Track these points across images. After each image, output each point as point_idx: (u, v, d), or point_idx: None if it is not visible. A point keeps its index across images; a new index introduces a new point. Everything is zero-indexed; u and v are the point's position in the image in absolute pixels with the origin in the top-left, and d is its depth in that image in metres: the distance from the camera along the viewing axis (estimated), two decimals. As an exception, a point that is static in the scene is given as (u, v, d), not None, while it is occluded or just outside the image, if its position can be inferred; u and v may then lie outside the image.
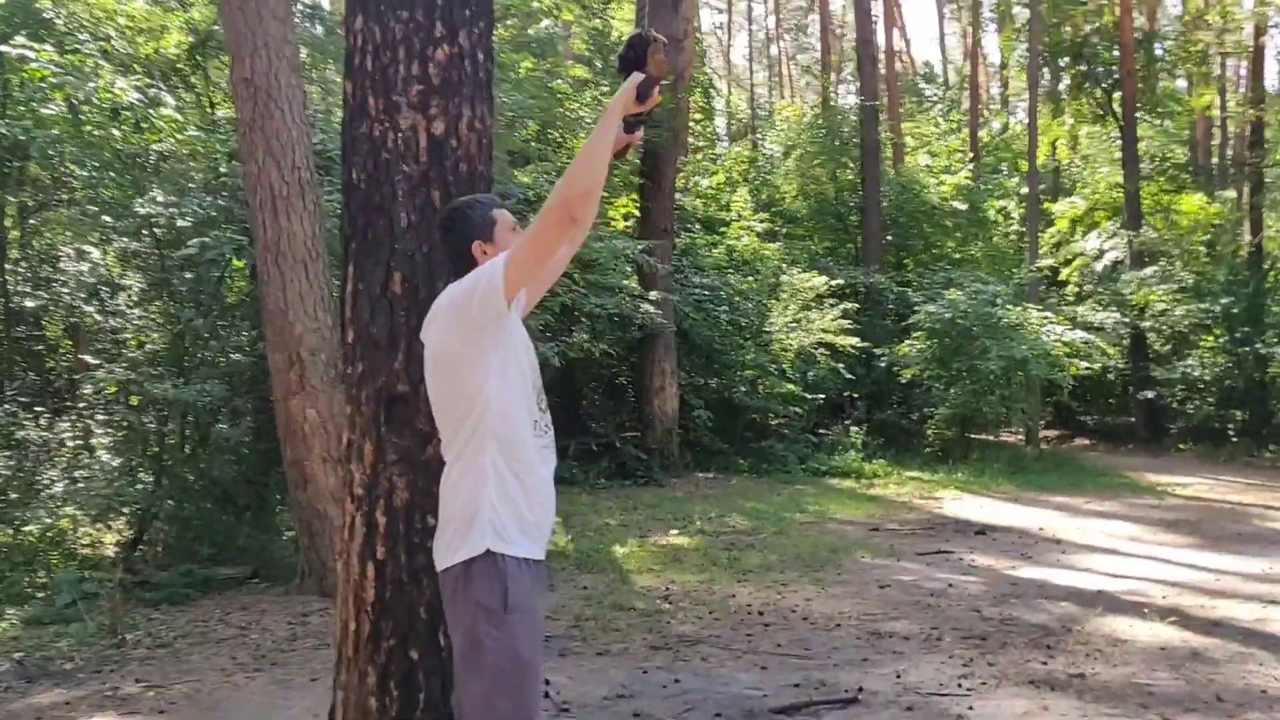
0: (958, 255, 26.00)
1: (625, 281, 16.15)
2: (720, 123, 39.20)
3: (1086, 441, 24.67)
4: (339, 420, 6.66)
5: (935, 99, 40.37)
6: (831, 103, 30.98)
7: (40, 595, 8.39)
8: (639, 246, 15.15)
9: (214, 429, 10.38)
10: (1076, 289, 26.42)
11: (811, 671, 5.97)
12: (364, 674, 3.77)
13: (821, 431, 20.42)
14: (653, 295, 15.93)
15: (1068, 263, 26.41)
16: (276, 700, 5.65)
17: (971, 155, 30.65)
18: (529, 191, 14.17)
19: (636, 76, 3.09)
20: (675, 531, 11.52)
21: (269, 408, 9.00)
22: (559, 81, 16.88)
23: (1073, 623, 7.13)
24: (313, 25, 13.25)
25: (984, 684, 5.66)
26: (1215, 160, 32.83)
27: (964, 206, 26.11)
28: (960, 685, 5.64)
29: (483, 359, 3.00)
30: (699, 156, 27.84)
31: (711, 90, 31.88)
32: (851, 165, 25.49)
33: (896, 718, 5.12)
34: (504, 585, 2.93)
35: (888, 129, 27.60)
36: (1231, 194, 28.26)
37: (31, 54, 8.54)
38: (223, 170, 9.91)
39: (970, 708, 5.24)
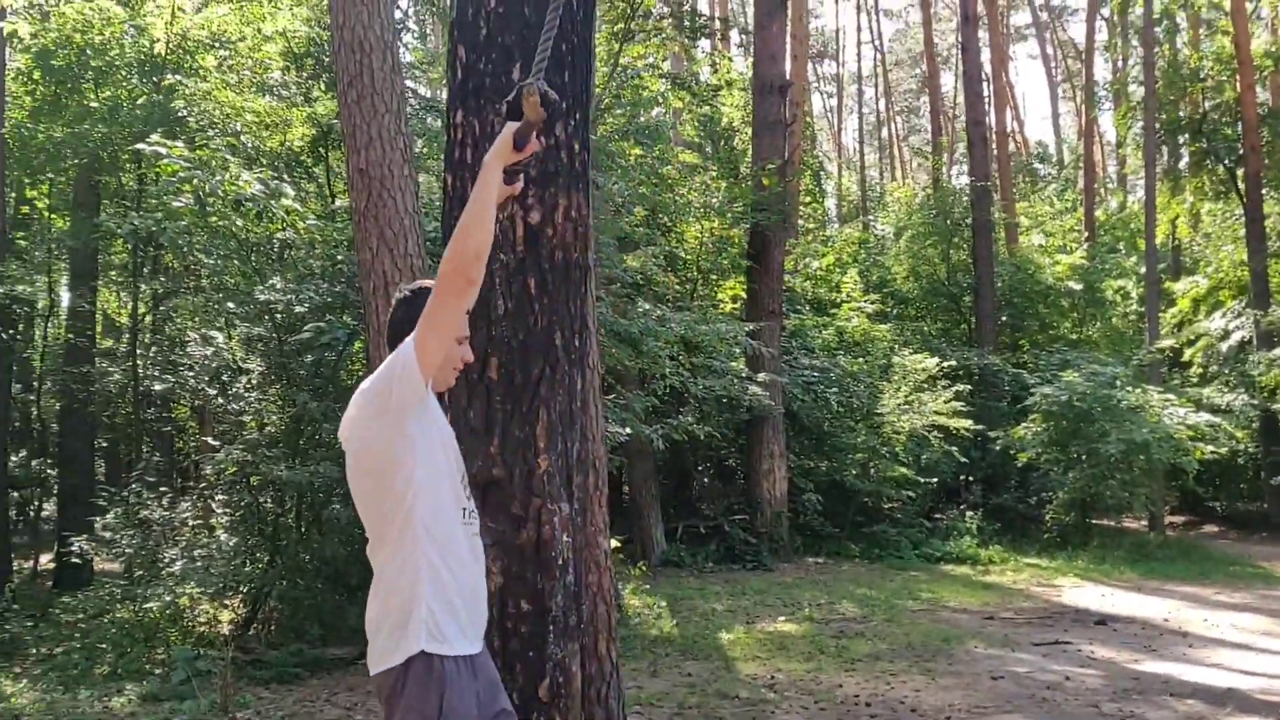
0: (1074, 336, 25.43)
1: (733, 363, 16.15)
2: (831, 205, 39.30)
3: (1215, 528, 23.66)
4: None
5: (1049, 178, 39.87)
6: (943, 183, 30.78)
7: (157, 672, 8.62)
8: (746, 329, 15.16)
9: (327, 509, 10.60)
10: (1201, 370, 25.54)
11: (919, 767, 5.78)
12: (457, 759, 3.77)
13: (936, 516, 20.00)
14: (761, 377, 15.88)
15: (1191, 343, 25.59)
16: (377, 783, 5.67)
17: (1087, 234, 30.10)
18: (637, 275, 14.35)
19: (511, 125, 2.98)
20: (783, 618, 11.34)
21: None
22: (668, 168, 17.12)
23: (1200, 721, 6.80)
24: (428, 118, 13.70)
25: (1102, 785, 5.41)
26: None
27: (1079, 286, 25.58)
28: (1076, 786, 5.40)
29: (410, 448, 2.90)
30: (809, 238, 27.88)
31: (821, 173, 32.04)
32: (964, 245, 25.23)
33: (1007, 819, 4.92)
34: (441, 691, 2.80)
35: (1000, 209, 27.31)
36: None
37: (164, 150, 9.02)
38: (339, 258, 10.25)
39: (1086, 810, 5.01)
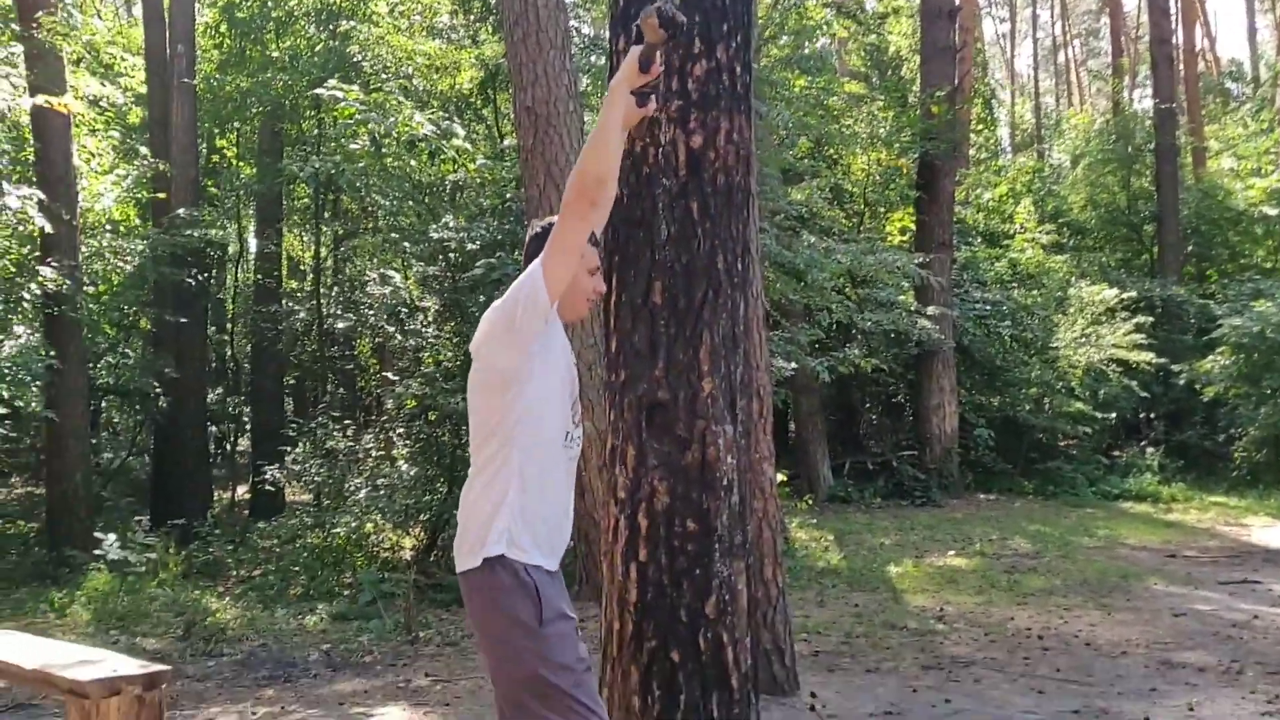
0: (1269, 264, 23.99)
1: (901, 297, 15.87)
2: (1004, 133, 37.91)
3: None
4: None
5: (1244, 98, 37.50)
6: (1124, 108, 29.31)
7: (345, 593, 9.09)
8: (915, 261, 14.84)
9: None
10: None
11: (1093, 699, 5.67)
12: (627, 673, 3.90)
13: (1114, 453, 19.34)
14: (930, 310, 15.56)
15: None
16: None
17: (1288, 156, 28.25)
18: (802, 208, 14.19)
19: (635, 49, 2.94)
20: (952, 553, 11.21)
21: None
22: (833, 99, 16.80)
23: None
24: (593, 55, 13.79)
25: (1289, 722, 5.22)
26: None
27: (1275, 212, 24.08)
28: (1262, 722, 5.23)
29: (529, 367, 2.92)
30: (980, 168, 27.00)
31: (993, 100, 30.90)
32: (1146, 172, 24.04)
33: (1186, 751, 4.80)
34: (534, 596, 2.85)
35: (1187, 132, 25.88)
36: None
37: (341, 94, 9.34)
38: (508, 196, 10.45)
39: (1271, 746, 4.86)
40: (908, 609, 8.34)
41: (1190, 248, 23.95)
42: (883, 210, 19.48)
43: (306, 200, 16.63)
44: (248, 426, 18.55)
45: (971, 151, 28.13)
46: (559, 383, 3.04)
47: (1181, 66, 28.08)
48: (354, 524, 10.11)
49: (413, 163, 10.48)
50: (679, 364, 3.86)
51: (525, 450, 2.93)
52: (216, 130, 16.99)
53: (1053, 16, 47.26)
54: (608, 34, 4.13)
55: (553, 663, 2.83)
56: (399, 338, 12.31)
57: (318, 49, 12.13)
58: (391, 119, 9.36)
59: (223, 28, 15.32)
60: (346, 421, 11.89)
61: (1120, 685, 5.98)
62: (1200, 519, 14.48)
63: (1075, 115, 34.24)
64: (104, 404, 16.39)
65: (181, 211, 12.78)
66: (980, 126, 27.74)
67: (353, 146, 10.13)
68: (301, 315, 13.99)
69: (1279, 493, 16.54)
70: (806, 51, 16.97)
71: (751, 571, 5.26)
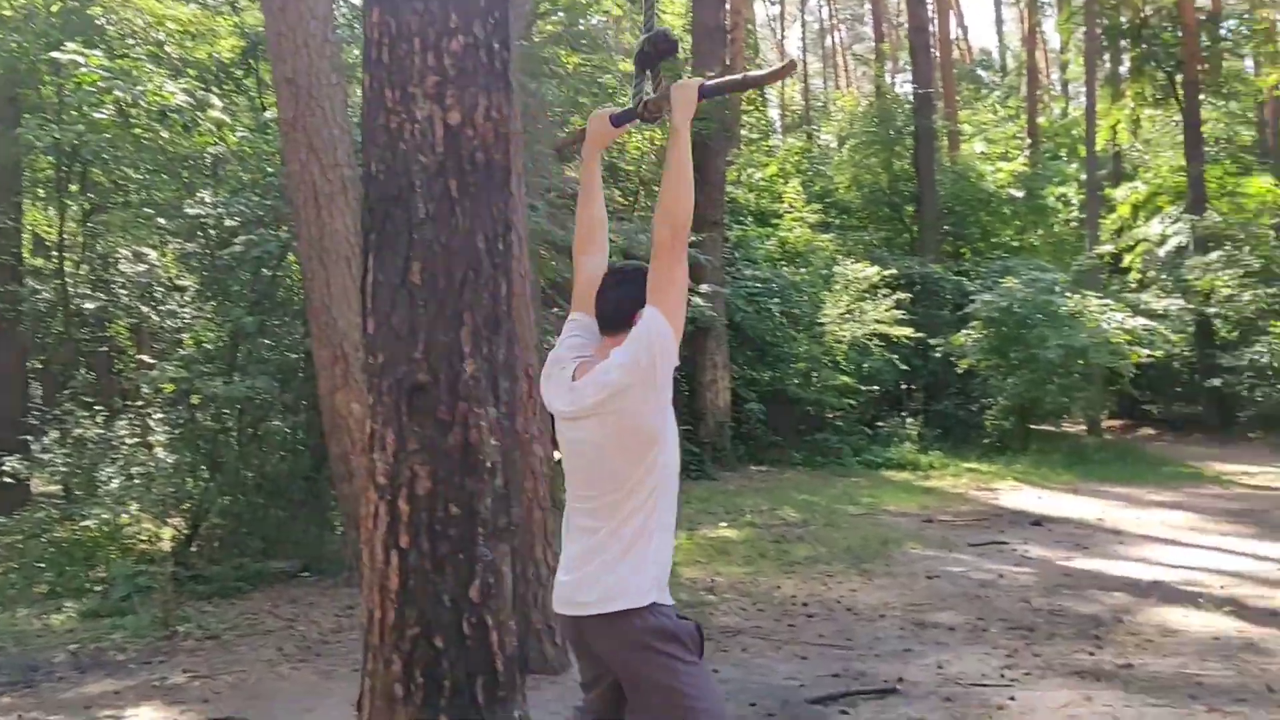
0: (1016, 243, 25.62)
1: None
2: (774, 114, 39.00)
3: (1152, 431, 24.19)
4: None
5: (993, 85, 39.82)
6: (886, 92, 30.62)
7: (98, 589, 8.57)
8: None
9: (266, 425, 10.52)
10: (1139, 275, 25.91)
11: (852, 662, 5.92)
12: (389, 661, 3.80)
13: (878, 424, 20.25)
14: (703, 288, 15.87)
15: (1130, 249, 25.89)
16: (319, 689, 5.72)
17: (1030, 142, 30.18)
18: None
19: (694, 85, 3.11)
20: (724, 524, 11.48)
21: (318, 404, 9.10)
22: (608, 76, 16.85)
23: (1124, 613, 7.00)
24: (358, 25, 13.34)
25: (1027, 674, 5.58)
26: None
27: (1021, 194, 25.73)
28: (1003, 676, 5.56)
29: (667, 420, 2.97)
30: (752, 148, 27.72)
31: (765, 82, 31.69)
32: (906, 154, 25.21)
33: (935, 708, 5.06)
34: (688, 636, 2.94)
35: (943, 116, 27.29)
36: (1302, 175, 27.55)
37: (82, 59, 8.72)
38: (270, 170, 10.03)
39: (1012, 698, 5.17)
40: (680, 581, 8.48)
41: (947, 227, 25.28)
42: (657, 189, 19.72)
43: (50, 171, 15.52)
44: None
45: (743, 131, 28.84)
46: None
47: (937, 53, 29.51)
48: (106, 515, 9.53)
49: (165, 134, 9.91)
50: (439, 345, 3.77)
51: (666, 500, 3.00)
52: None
53: (819, 1, 48.93)
54: (363, 6, 3.96)
55: (704, 696, 2.90)
56: (155, 318, 11.66)
57: (54, 9, 11.25)
58: (140, 87, 8.81)
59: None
60: (97, 407, 11.14)
61: (878, 648, 6.26)
62: (955, 484, 15.33)
63: (841, 97, 35.60)
64: None
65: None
66: (750, 107, 28.43)
67: (97, 115, 9.49)
68: (45, 294, 13.08)
69: (1024, 458, 17.73)
70: (580, 28, 16.94)
71: (520, 553, 5.23)
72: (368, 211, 3.87)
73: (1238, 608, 7.03)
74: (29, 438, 11.19)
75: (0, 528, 10.81)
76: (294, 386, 10.44)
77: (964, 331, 19.13)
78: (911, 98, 25.29)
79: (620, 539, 2.96)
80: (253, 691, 5.76)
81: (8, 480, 10.84)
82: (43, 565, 9.32)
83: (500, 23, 3.89)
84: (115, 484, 9.82)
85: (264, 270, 10.34)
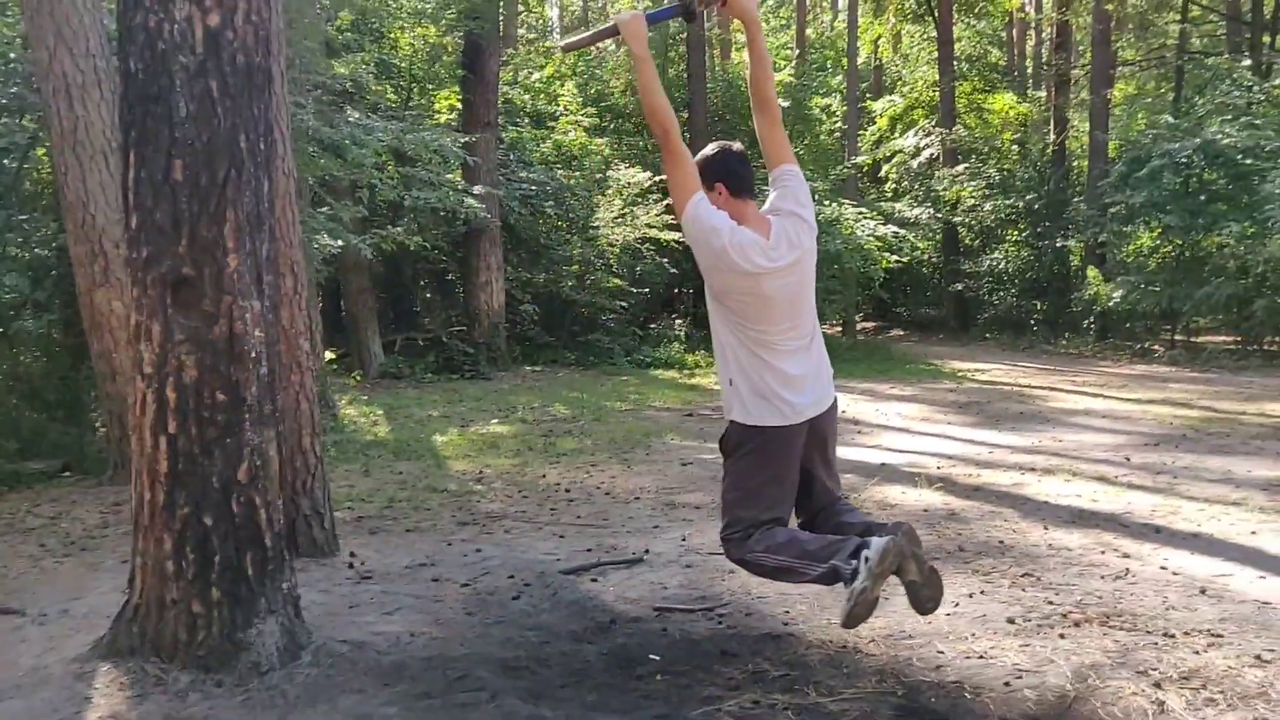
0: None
1: (450, 175, 16.16)
2: (554, 15, 38.81)
3: (901, 332, 25.92)
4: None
5: (766, -5, 40.64)
6: (660, -2, 30.90)
7: None
8: (459, 141, 15.14)
9: (18, 324, 10.16)
10: (895, 185, 27.46)
11: (605, 539, 6.43)
12: (160, 540, 4.01)
13: (651, 325, 20.95)
14: (476, 189, 16.00)
15: (887, 160, 27.36)
16: (86, 581, 5.79)
17: (798, 52, 31.20)
18: (347, 82, 14.03)
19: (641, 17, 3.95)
20: (496, 421, 11.86)
21: (75, 301, 8.88)
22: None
23: (851, 491, 7.74)
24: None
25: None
26: (1030, 61, 34.15)
27: (787, 104, 26.63)
28: (738, 545, 6.16)
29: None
30: (528, 49, 27.62)
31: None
32: (680, 61, 25.70)
33: (674, 574, 5.61)
34: None
35: (716, 25, 27.85)
36: (1043, 94, 29.56)
37: None
38: (13, 56, 9.56)
39: (742, 563, 5.77)
40: (449, 474, 8.84)
41: (717, 134, 26.02)
42: (431, 87, 19.58)
43: None
44: None
45: (521, 31, 28.70)
46: None
47: (711, -38, 29.96)
48: None
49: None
50: (203, 240, 3.93)
51: None
52: None
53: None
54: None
55: None
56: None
57: None
58: None
59: None
60: None
61: (630, 526, 6.79)
62: (716, 382, 16.12)
63: (617, 0, 35.68)
64: None
65: None
66: (527, 6, 28.29)
67: None
68: None
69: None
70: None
71: (287, 440, 5.46)
72: (127, 109, 3.96)
73: (948, 485, 7.93)
74: None
75: None
76: (46, 285, 10.10)
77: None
78: (685, 5, 25.67)
79: (821, 349, 4.05)
80: (14, 585, 5.79)
81: None
82: None
83: (258, -76, 4.01)
84: None
85: (7, 163, 9.91)
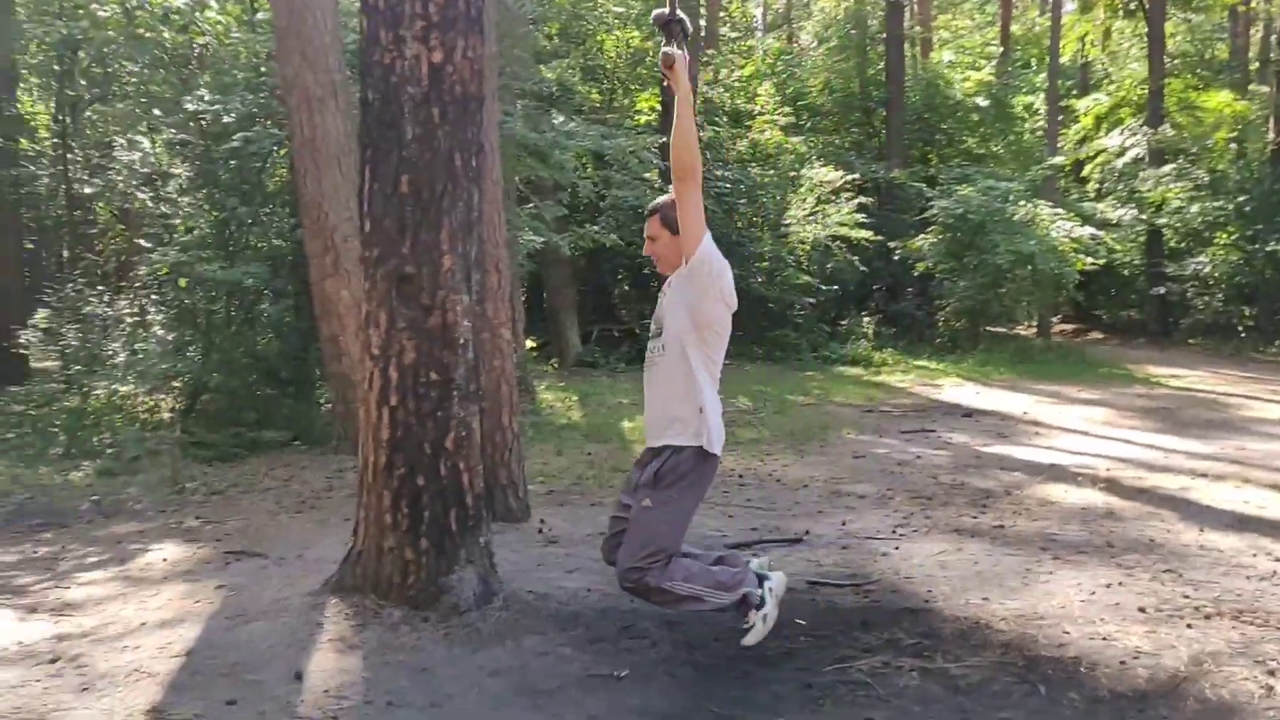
0: (980, 151, 26.35)
1: (647, 175, 16.85)
2: (757, 11, 39.17)
3: (1100, 335, 25.30)
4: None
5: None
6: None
7: (109, 451, 9.49)
8: (659, 141, 15.79)
9: (257, 309, 11.35)
10: (1097, 185, 26.78)
11: (770, 520, 6.94)
12: (380, 496, 4.75)
13: (841, 322, 21.22)
14: (672, 188, 16.60)
15: (1090, 159, 26.70)
16: (314, 535, 6.67)
17: (1002, 50, 30.71)
18: (554, 87, 14.88)
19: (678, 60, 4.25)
20: (681, 409, 12.42)
21: (307, 289, 9.94)
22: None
23: (1015, 488, 8.03)
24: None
25: (915, 531, 6.61)
26: (1255, 56, 32.56)
27: (986, 103, 26.38)
28: (894, 532, 6.59)
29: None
30: (728, 48, 28.14)
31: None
32: (879, 60, 25.79)
33: (830, 554, 6.08)
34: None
35: (916, 23, 27.77)
36: (1267, 89, 28.20)
37: (89, -39, 9.35)
38: (263, 70, 10.70)
39: (896, 547, 6.19)
40: (634, 455, 9.44)
41: (916, 133, 26.00)
42: (634, 88, 20.36)
43: (40, 59, 16.03)
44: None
45: (724, 30, 29.21)
46: None
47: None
48: (114, 385, 10.42)
49: (167, 34, 10.55)
50: (423, 244, 4.64)
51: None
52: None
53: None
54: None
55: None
56: (149, 204, 12.38)
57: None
58: (145, -10, 9.48)
59: None
60: (100, 287, 11.95)
61: (795, 510, 7.28)
62: (902, 380, 16.37)
63: (821, -3, 35.82)
64: None
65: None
66: (729, 11, 28.82)
67: (101, 14, 10.13)
68: (45, 179, 13.75)
69: (971, 357, 18.79)
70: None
71: (488, 417, 6.18)
72: (365, 132, 4.70)
73: (1113, 486, 8.08)
74: (43, 313, 11.97)
75: (13, 397, 11.70)
76: (283, 274, 11.26)
77: (921, 236, 20.03)
78: (884, 4, 25.75)
79: None
80: (257, 535, 6.72)
81: (19, 353, 11.65)
82: (56, 430, 10.23)
83: (476, -25, 4.69)
84: (121, 358, 10.67)
85: (255, 164, 11.08)
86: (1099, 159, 26.15)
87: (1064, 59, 26.96)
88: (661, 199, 4.44)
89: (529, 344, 15.73)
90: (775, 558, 5.96)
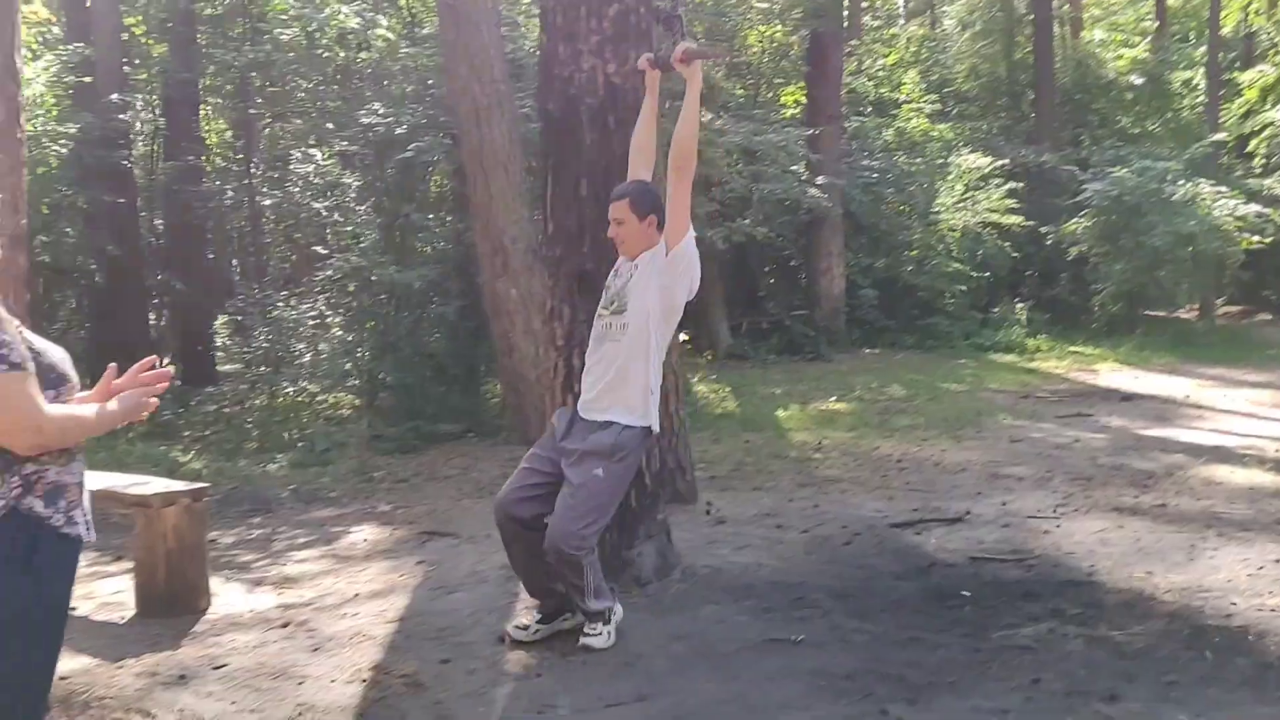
0: (1135, 130, 25.65)
1: (794, 167, 17.04)
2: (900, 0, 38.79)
3: (1269, 317, 24.37)
4: (537, 298, 8.00)
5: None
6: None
7: (299, 445, 10.21)
8: (806, 133, 15.99)
9: (427, 309, 11.98)
10: (1264, 161, 25.77)
11: (930, 500, 7.14)
12: (566, 476, 5.15)
13: (993, 309, 20.99)
14: (819, 180, 16.79)
15: (1257, 133, 25.70)
16: (496, 517, 7.14)
17: (1158, 24, 29.77)
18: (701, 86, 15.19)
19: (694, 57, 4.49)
20: (834, 398, 12.65)
21: (474, 290, 10.47)
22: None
23: (1178, 469, 8.03)
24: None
25: (1075, 510, 6.73)
26: None
27: (1141, 80, 25.66)
28: (1055, 511, 6.72)
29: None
30: (871, 38, 28.01)
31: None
32: (1026, 43, 25.35)
33: (991, 532, 6.26)
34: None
35: (1065, 2, 27.20)
36: None
37: (274, -11, 10.11)
38: (430, 82, 11.32)
39: (1057, 525, 6.34)
40: (790, 444, 9.76)
41: (1066, 114, 25.46)
42: (779, 82, 20.52)
43: (219, 80, 17.09)
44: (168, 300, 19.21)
45: (866, 20, 29.09)
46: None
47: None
48: (302, 384, 11.17)
49: (342, 53, 11.25)
50: (601, 242, 5.02)
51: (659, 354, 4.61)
52: (123, 7, 17.23)
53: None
54: None
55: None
56: (323, 214, 13.16)
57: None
58: (324, 13, 10.16)
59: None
60: (284, 291, 12.78)
61: (954, 492, 7.45)
62: (1058, 366, 16.17)
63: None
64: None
65: (115, 97, 13.34)
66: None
67: (283, 37, 10.88)
68: (230, 193, 14.74)
69: (1128, 341, 18.38)
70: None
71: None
72: (546, 141, 5.12)
73: (1281, 466, 8.01)
74: (239, 318, 12.87)
75: (207, 397, 12.62)
76: (450, 275, 11.86)
77: (1074, 220, 19.67)
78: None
79: None
80: (445, 518, 7.23)
81: (216, 353, 12.54)
82: (250, 426, 11.03)
83: (643, -4, 5.05)
84: (307, 359, 11.42)
85: (423, 173, 11.72)
86: (1265, 133, 25.14)
87: (1225, 30, 26.00)
88: (628, 184, 4.57)
89: (682, 337, 16.09)
90: (938, 535, 6.18)
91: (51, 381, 2.44)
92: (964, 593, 5.06)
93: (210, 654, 4.54)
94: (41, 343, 2.49)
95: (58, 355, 2.51)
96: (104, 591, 5.58)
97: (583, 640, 4.42)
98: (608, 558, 5.07)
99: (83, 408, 2.51)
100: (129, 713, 3.92)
